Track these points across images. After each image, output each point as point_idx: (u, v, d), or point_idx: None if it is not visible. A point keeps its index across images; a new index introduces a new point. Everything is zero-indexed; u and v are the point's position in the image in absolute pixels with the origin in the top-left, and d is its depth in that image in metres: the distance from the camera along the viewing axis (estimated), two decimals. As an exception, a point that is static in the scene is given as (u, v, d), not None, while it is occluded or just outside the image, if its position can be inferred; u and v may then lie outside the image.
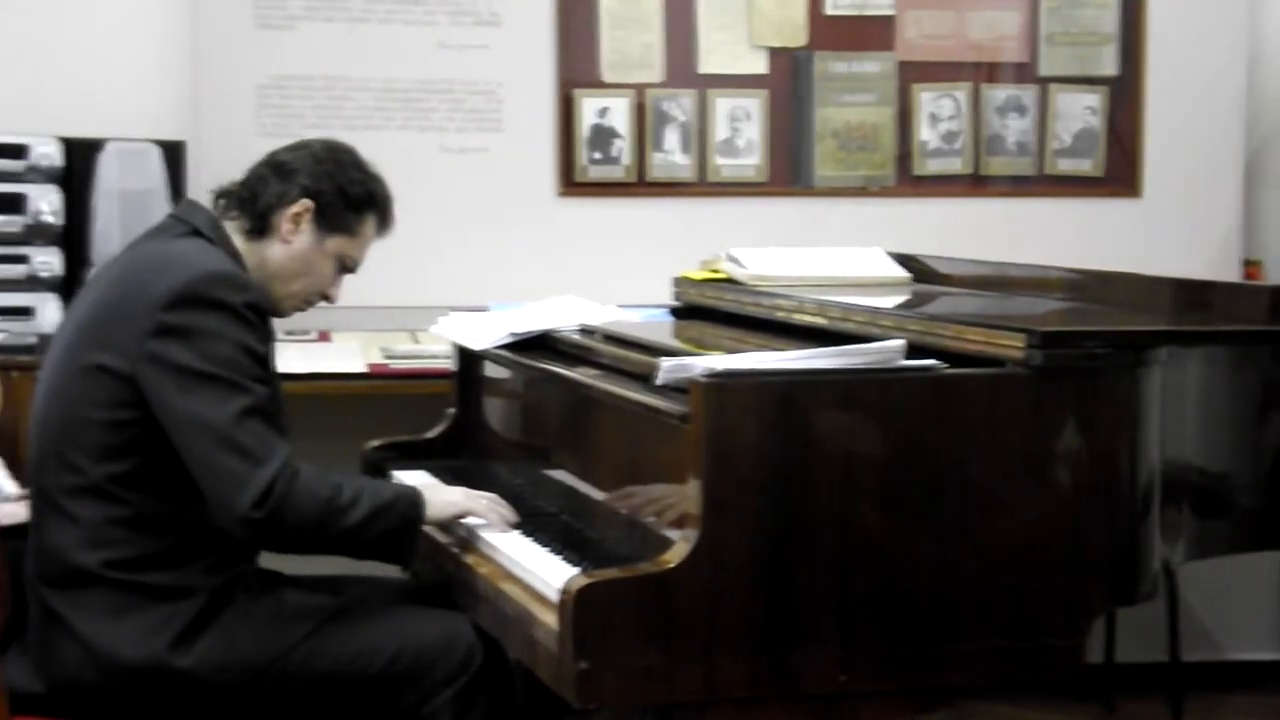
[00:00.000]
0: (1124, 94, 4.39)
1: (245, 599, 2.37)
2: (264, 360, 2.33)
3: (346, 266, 2.56)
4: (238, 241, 2.49)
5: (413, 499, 2.40)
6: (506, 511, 2.55)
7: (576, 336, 2.79)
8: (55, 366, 2.41)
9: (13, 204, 3.61)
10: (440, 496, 2.51)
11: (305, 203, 2.48)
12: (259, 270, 2.47)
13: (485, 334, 2.91)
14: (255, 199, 2.49)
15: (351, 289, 2.63)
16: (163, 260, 2.36)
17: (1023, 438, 2.19)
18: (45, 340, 3.58)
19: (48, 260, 3.64)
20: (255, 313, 2.33)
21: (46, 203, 3.64)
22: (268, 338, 2.37)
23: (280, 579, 2.59)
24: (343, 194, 2.50)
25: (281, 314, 2.55)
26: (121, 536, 2.31)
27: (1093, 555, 2.21)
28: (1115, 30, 4.39)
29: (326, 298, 2.58)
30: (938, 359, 2.22)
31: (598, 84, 4.17)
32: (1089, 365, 2.20)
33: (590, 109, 4.17)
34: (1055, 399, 2.20)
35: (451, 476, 2.92)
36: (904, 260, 3.24)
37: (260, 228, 2.48)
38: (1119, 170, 4.41)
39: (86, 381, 2.32)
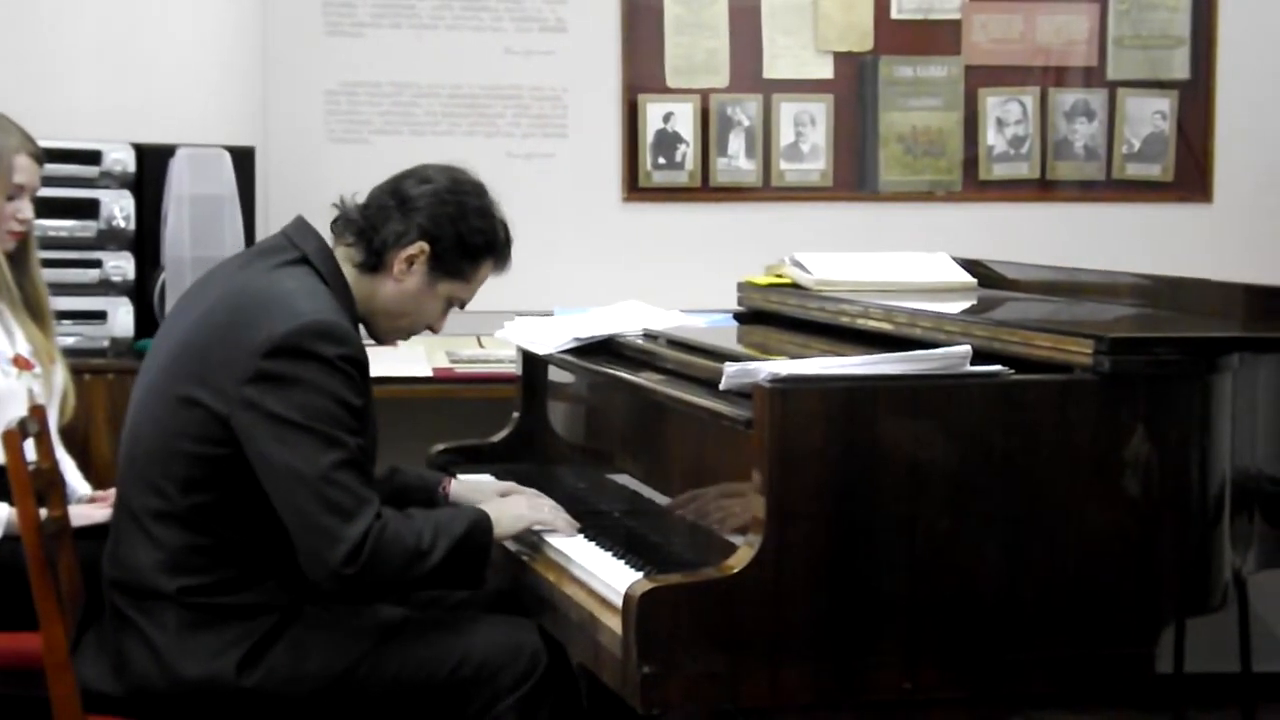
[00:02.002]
0: (1194, 98, 4.35)
1: (312, 612, 2.39)
2: (359, 413, 2.31)
3: (455, 305, 2.54)
4: (348, 271, 2.45)
5: (484, 526, 2.40)
6: (568, 516, 2.56)
7: (640, 341, 2.80)
8: (150, 386, 2.41)
9: (86, 209, 3.66)
10: (506, 513, 2.50)
11: (422, 246, 2.43)
12: (366, 303, 2.45)
13: (550, 338, 2.92)
14: (373, 234, 2.44)
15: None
16: (268, 300, 2.33)
17: (1091, 445, 2.17)
18: (117, 344, 3.64)
19: (120, 265, 3.69)
20: (352, 365, 2.31)
21: (119, 208, 3.69)
22: (364, 390, 2.34)
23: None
24: (461, 242, 2.45)
25: (383, 343, 2.54)
26: (200, 564, 2.34)
27: (1162, 564, 2.19)
28: (1186, 33, 4.34)
29: (432, 330, 2.56)
30: (1004, 365, 2.20)
31: (663, 89, 4.18)
32: (1158, 372, 2.18)
33: (655, 114, 4.18)
34: (1124, 406, 2.17)
35: (514, 481, 2.93)
36: (970, 266, 3.21)
37: (374, 264, 2.44)
38: (1189, 175, 4.37)
39: (180, 412, 2.33)
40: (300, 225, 2.48)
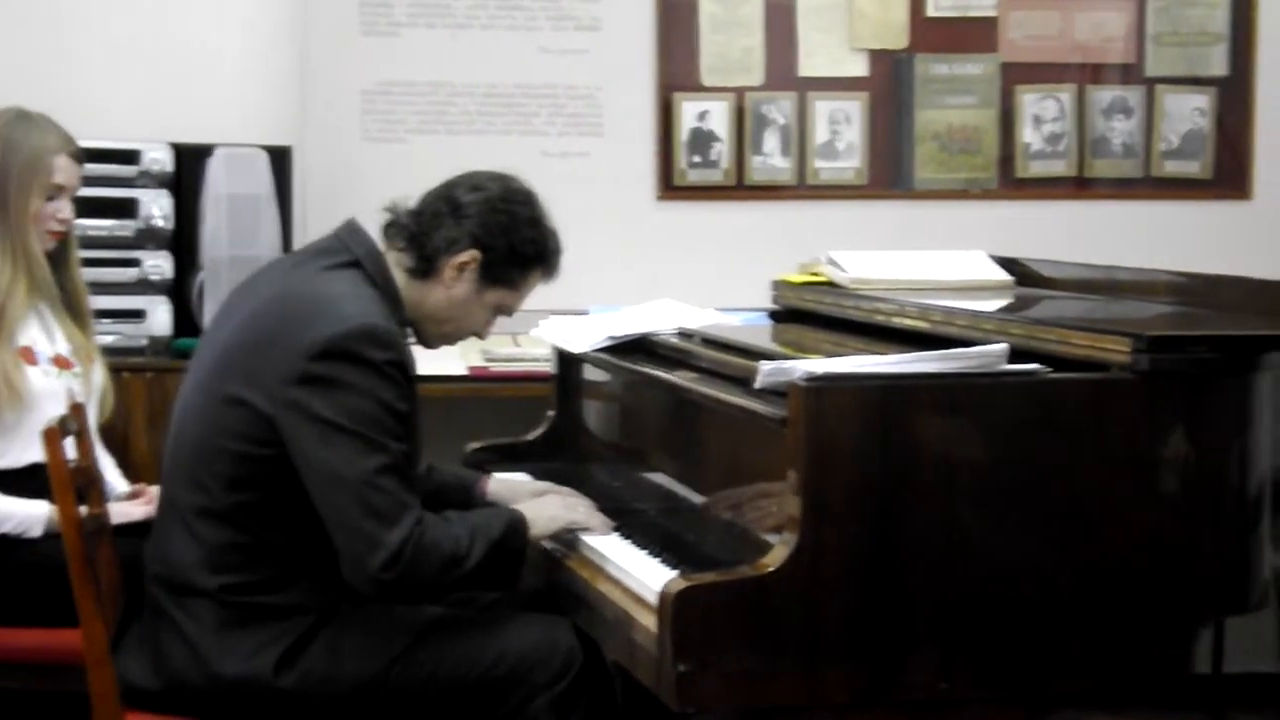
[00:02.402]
0: (1234, 94, 4.32)
1: (348, 611, 2.40)
2: (403, 418, 2.32)
3: (502, 312, 2.55)
4: (398, 276, 2.45)
5: (519, 527, 2.41)
6: (603, 516, 2.56)
7: (675, 340, 2.79)
8: (197, 384, 2.43)
9: (125, 209, 3.69)
10: (542, 513, 2.50)
11: (473, 253, 2.44)
12: (415, 308, 2.46)
13: (584, 337, 2.92)
14: (425, 240, 2.44)
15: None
16: (317, 302, 2.34)
17: (1128, 443, 2.15)
18: (156, 343, 3.67)
19: (158, 264, 3.71)
20: (398, 370, 2.32)
21: (157, 207, 3.71)
22: (410, 396, 2.35)
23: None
24: (512, 251, 2.45)
25: (429, 347, 2.55)
26: (240, 562, 2.35)
27: (1201, 564, 2.17)
28: (1225, 29, 4.31)
29: (478, 336, 2.57)
30: (1041, 363, 2.19)
31: (697, 87, 4.18)
32: (1197, 370, 2.16)
33: (690, 113, 4.18)
34: (1162, 404, 2.16)
35: (549, 479, 2.94)
36: (1006, 264, 3.20)
37: (424, 270, 2.45)
38: (1228, 172, 4.34)
39: (226, 410, 2.34)
40: (352, 228, 2.49)
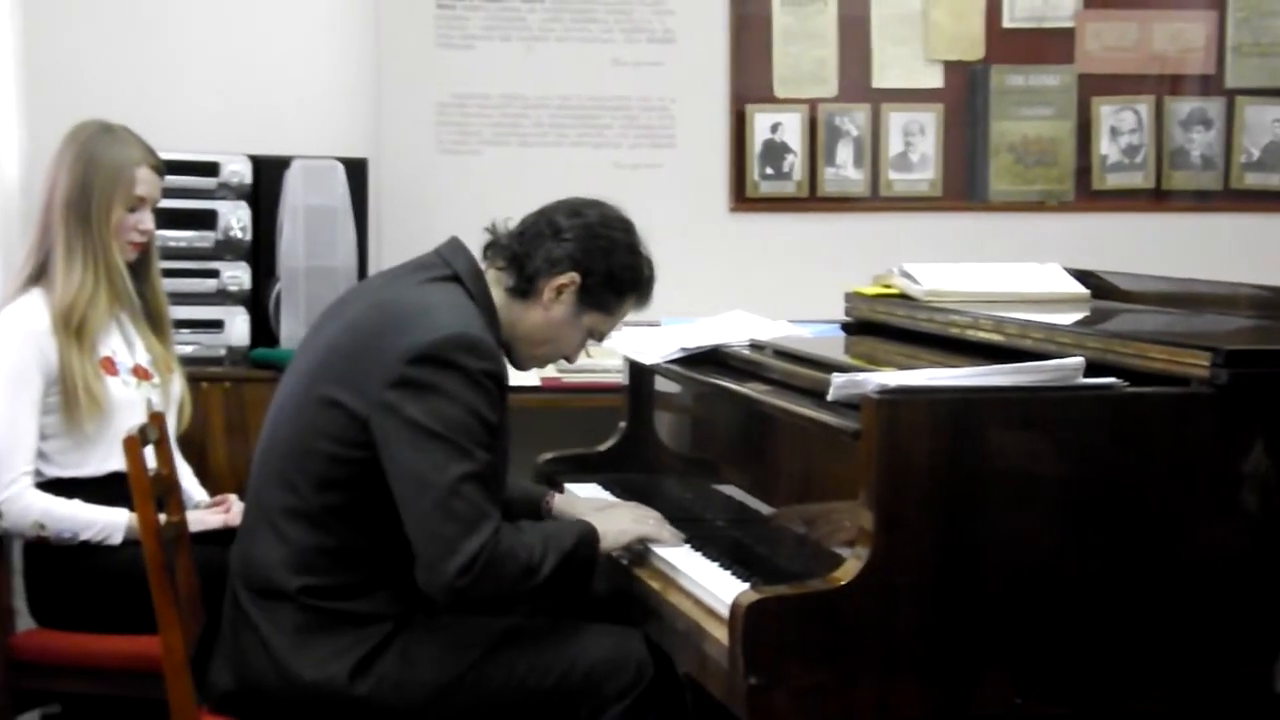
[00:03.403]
0: (1316, 106, 4.25)
1: (422, 621, 2.42)
2: (493, 428, 2.35)
3: (594, 337, 2.59)
4: (496, 295, 2.49)
5: (590, 540, 2.43)
6: (673, 529, 2.56)
7: (747, 352, 2.79)
8: (294, 388, 2.46)
9: (204, 220, 3.73)
10: (612, 527, 2.52)
11: (573, 276, 2.48)
12: (510, 328, 2.50)
13: (656, 349, 2.93)
14: (526, 260, 2.48)
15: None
16: (417, 309, 2.39)
17: (1207, 459, 2.13)
18: (234, 353, 3.71)
19: (236, 275, 3.76)
20: (492, 380, 2.35)
21: (236, 219, 3.75)
22: (501, 406, 2.38)
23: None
24: (612, 276, 2.50)
25: (520, 368, 2.58)
26: (324, 566, 2.38)
27: (1281, 581, 2.14)
28: (1308, 40, 4.25)
29: (567, 359, 2.60)
30: (1118, 377, 2.17)
31: (770, 99, 4.18)
32: (1277, 385, 2.13)
33: (763, 124, 4.18)
34: (1242, 419, 2.13)
35: (620, 490, 2.94)
36: (1083, 276, 3.17)
37: (524, 290, 2.49)
38: (1310, 185, 4.27)
39: (321, 412, 2.37)
40: (454, 245, 2.53)
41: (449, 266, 2.48)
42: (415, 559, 2.31)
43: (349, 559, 2.38)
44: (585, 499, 2.86)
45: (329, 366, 2.40)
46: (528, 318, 2.50)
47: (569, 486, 3.02)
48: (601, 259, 2.49)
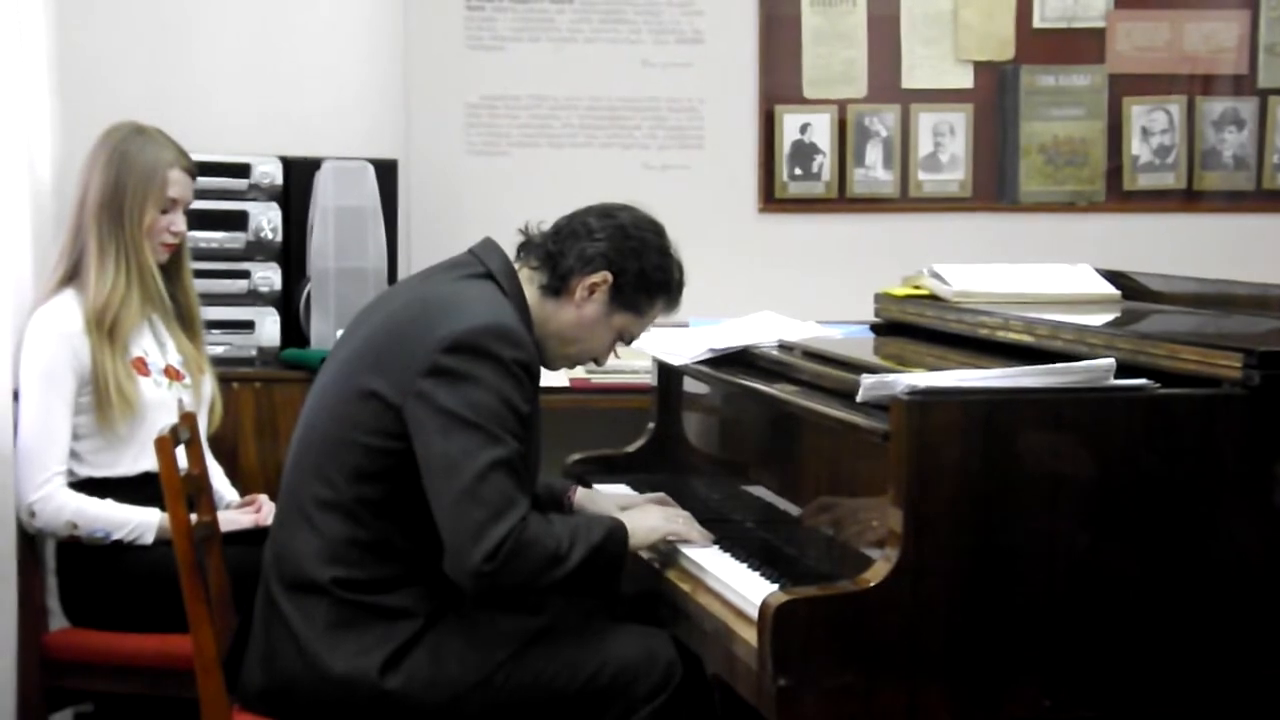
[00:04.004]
0: (1350, 105, 4.22)
1: (453, 619, 2.43)
2: (524, 418, 2.36)
3: (623, 339, 2.60)
4: (530, 293, 2.52)
5: (619, 536, 2.43)
6: (701, 528, 2.57)
7: (776, 353, 2.79)
8: (331, 380, 2.48)
9: (236, 221, 3.75)
10: (642, 524, 2.52)
11: (606, 275, 2.50)
12: (542, 325, 2.51)
13: (685, 349, 2.93)
14: (560, 258, 2.51)
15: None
16: (452, 301, 2.42)
17: (1240, 460, 2.12)
18: (265, 353, 3.72)
19: (267, 275, 3.77)
20: (525, 370, 2.37)
21: (267, 220, 3.77)
22: (533, 396, 2.40)
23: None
24: (643, 277, 2.52)
25: (551, 368, 2.59)
26: (356, 558, 2.39)
27: (1314, 584, 2.13)
28: (1341, 39, 4.22)
29: (596, 362, 2.62)
30: (1150, 379, 2.16)
31: (799, 100, 4.17)
32: (1311, 387, 2.12)
33: (792, 125, 4.17)
34: (1274, 420, 2.12)
35: (649, 491, 2.94)
36: (1114, 277, 3.16)
37: (557, 288, 2.51)
38: (1343, 185, 4.24)
39: (357, 403, 2.39)
40: (487, 244, 2.56)
41: (483, 264, 2.50)
42: (445, 548, 2.31)
43: (381, 552, 2.39)
44: (609, 494, 2.86)
45: (365, 359, 2.42)
46: (560, 316, 2.52)
47: (597, 487, 3.02)
48: (634, 259, 2.51)
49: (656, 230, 2.57)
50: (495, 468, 2.29)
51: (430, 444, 2.31)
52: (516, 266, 2.53)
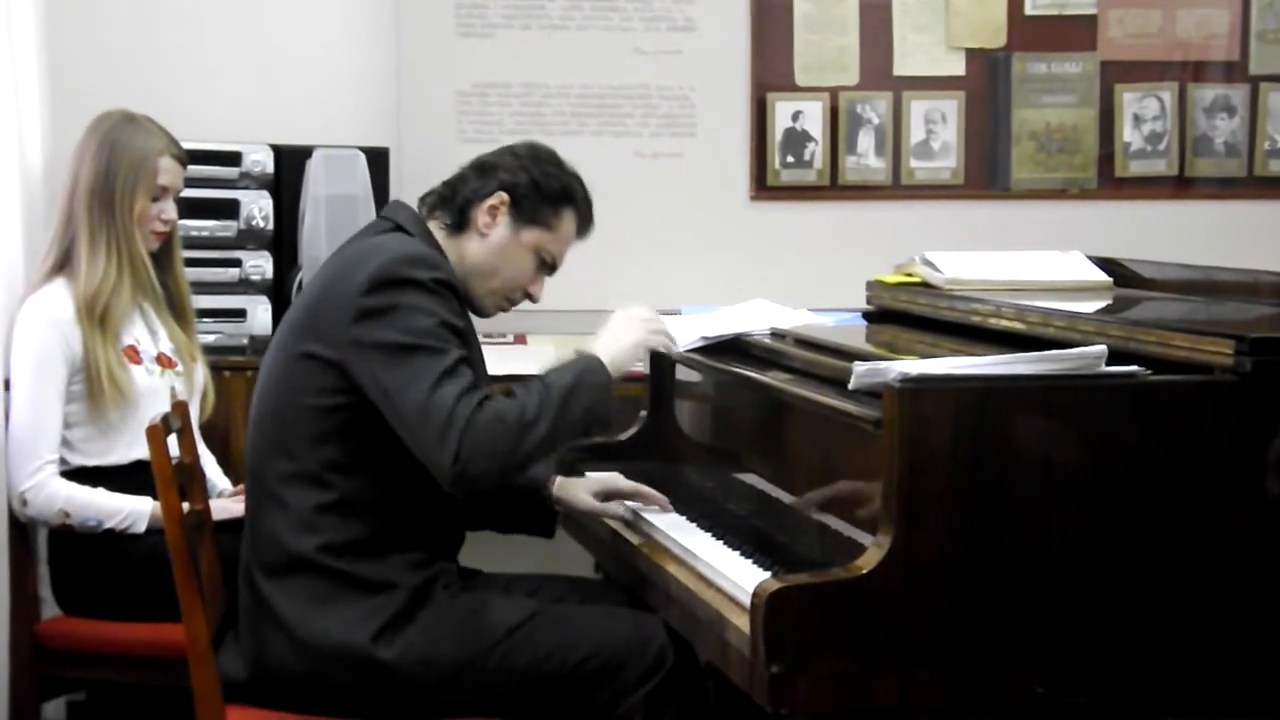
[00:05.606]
0: (1341, 92, 4.22)
1: (445, 597, 2.43)
2: (459, 331, 2.40)
3: (545, 263, 2.60)
4: (440, 237, 2.56)
5: (594, 367, 2.43)
6: (672, 333, 2.62)
7: (768, 340, 2.79)
8: (270, 359, 2.53)
9: (227, 209, 3.75)
10: (620, 345, 2.50)
11: (501, 195, 2.55)
12: (459, 266, 2.53)
13: (678, 337, 2.92)
14: (455, 195, 2.57)
15: (546, 292, 2.68)
16: (364, 253, 2.46)
17: (1231, 447, 2.12)
18: (256, 342, 3.72)
19: (259, 264, 3.77)
20: (448, 288, 2.41)
21: (258, 208, 3.76)
22: (461, 312, 2.45)
23: (478, 577, 2.64)
24: (537, 187, 2.56)
25: (483, 313, 2.60)
26: (330, 523, 2.40)
27: (1305, 570, 2.13)
28: (1332, 26, 4.23)
29: (529, 296, 2.62)
30: (1141, 366, 2.16)
31: (791, 87, 4.17)
32: (1302, 373, 2.12)
33: (783, 112, 4.17)
34: (1265, 407, 2.12)
35: (641, 479, 2.94)
36: (1105, 264, 3.16)
37: (460, 222, 2.55)
38: (1334, 172, 4.25)
39: (298, 369, 2.42)
40: (394, 204, 2.66)
41: (390, 221, 2.57)
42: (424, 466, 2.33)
43: (354, 511, 2.40)
44: (583, 480, 2.82)
45: (296, 327, 2.46)
46: (470, 249, 2.55)
47: (589, 474, 3.02)
48: (525, 173, 2.56)
49: (550, 151, 2.62)
50: (444, 377, 2.31)
51: (380, 380, 2.33)
52: (426, 222, 2.57)
